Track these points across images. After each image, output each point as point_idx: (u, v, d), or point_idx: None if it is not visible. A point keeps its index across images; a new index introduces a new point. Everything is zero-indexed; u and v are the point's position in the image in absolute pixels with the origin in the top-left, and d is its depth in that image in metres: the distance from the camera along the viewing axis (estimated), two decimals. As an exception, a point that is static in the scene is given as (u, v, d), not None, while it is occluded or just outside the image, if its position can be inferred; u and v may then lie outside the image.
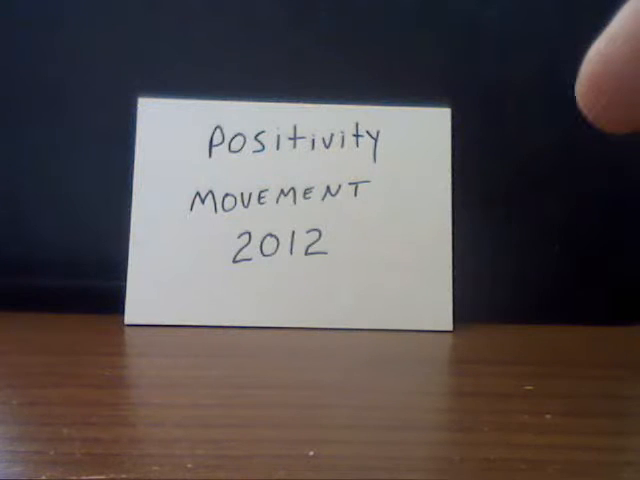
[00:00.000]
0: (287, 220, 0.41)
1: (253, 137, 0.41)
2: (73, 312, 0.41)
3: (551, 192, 0.45)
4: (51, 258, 0.44)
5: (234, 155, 0.41)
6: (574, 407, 0.28)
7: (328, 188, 0.41)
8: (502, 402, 0.28)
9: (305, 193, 0.41)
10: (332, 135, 0.41)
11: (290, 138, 0.41)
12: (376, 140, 0.41)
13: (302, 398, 0.28)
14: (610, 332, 0.42)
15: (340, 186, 0.41)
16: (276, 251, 0.40)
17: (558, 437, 0.24)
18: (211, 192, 0.41)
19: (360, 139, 0.41)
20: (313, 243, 0.40)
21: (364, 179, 0.41)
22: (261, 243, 0.40)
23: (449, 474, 0.22)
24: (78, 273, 0.44)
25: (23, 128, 0.45)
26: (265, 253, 0.40)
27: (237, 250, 0.40)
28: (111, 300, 0.40)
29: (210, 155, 0.41)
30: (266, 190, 0.41)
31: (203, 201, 0.40)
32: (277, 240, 0.40)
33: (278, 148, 0.41)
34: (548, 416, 0.26)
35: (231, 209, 0.41)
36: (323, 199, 0.41)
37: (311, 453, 0.22)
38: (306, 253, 0.40)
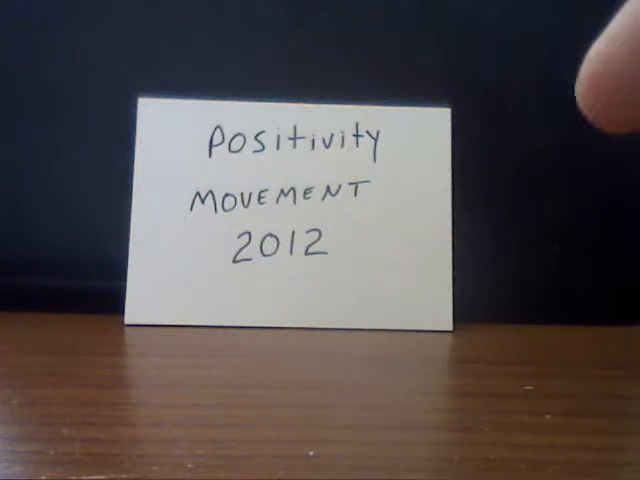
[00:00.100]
0: (287, 220, 0.41)
1: (253, 137, 0.41)
2: (73, 312, 0.41)
3: (551, 192, 0.45)
4: (51, 258, 0.44)
5: (234, 155, 0.41)
6: (574, 407, 0.28)
7: (328, 188, 0.41)
8: (502, 402, 0.28)
9: (305, 193, 0.41)
10: (332, 135, 0.41)
11: (290, 138, 0.41)
12: (376, 140, 0.41)
13: (302, 398, 0.28)
14: (610, 332, 0.42)
15: (340, 186, 0.41)
16: (276, 251, 0.40)
17: (558, 437, 0.24)
18: (211, 192, 0.41)
19: (360, 139, 0.41)
20: (313, 243, 0.40)
21: (364, 179, 0.41)
22: (261, 243, 0.40)
23: (449, 474, 0.22)
24: (78, 273, 0.44)
25: (23, 128, 0.45)
26: (265, 253, 0.40)
27: (237, 250, 0.40)
28: (111, 300, 0.40)
29: (210, 155, 0.41)
30: (266, 190, 0.41)
31: (203, 201, 0.40)
32: (277, 240, 0.40)
33: (278, 148, 0.41)
34: (548, 416, 0.26)
35: (231, 209, 0.41)
36: (323, 199, 0.41)
37: (311, 453, 0.22)
38: (306, 253, 0.40)
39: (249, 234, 0.40)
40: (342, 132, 0.41)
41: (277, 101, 0.41)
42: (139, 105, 0.41)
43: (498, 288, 0.44)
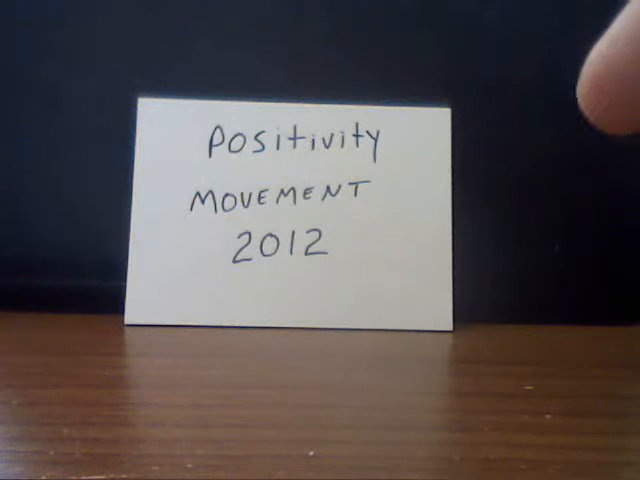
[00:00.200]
0: (287, 220, 0.41)
1: (253, 137, 0.41)
2: (73, 312, 0.41)
3: (551, 192, 0.45)
4: (51, 258, 0.44)
5: (234, 155, 0.41)
6: (574, 407, 0.28)
7: (328, 188, 0.41)
8: (502, 402, 0.28)
9: (305, 193, 0.41)
10: (332, 135, 0.41)
11: (290, 138, 0.41)
12: (376, 140, 0.41)
13: (302, 398, 0.28)
14: (610, 332, 0.42)
15: (340, 186, 0.41)
16: (276, 251, 0.40)
17: (558, 437, 0.24)
18: (211, 192, 0.41)
19: (360, 139, 0.41)
20: (313, 243, 0.40)
21: (364, 179, 0.41)
22: (261, 243, 0.40)
23: (449, 474, 0.22)
24: (78, 273, 0.44)
25: (23, 128, 0.45)
26: (265, 253, 0.40)
27: (237, 250, 0.40)
28: (111, 300, 0.40)
29: (210, 155, 0.41)
30: (266, 190, 0.41)
31: (203, 201, 0.40)
32: (277, 240, 0.40)
33: (278, 148, 0.41)
34: (548, 416, 0.26)
35: (231, 209, 0.41)
36: (323, 199, 0.41)
37: (311, 453, 0.22)
38: (306, 253, 0.40)
39: (249, 234, 0.40)
40: (342, 132, 0.41)
41: (277, 101, 0.41)
42: (139, 105, 0.41)
43: (498, 288, 0.44)
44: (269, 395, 0.28)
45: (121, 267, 0.40)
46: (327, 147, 0.41)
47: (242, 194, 0.41)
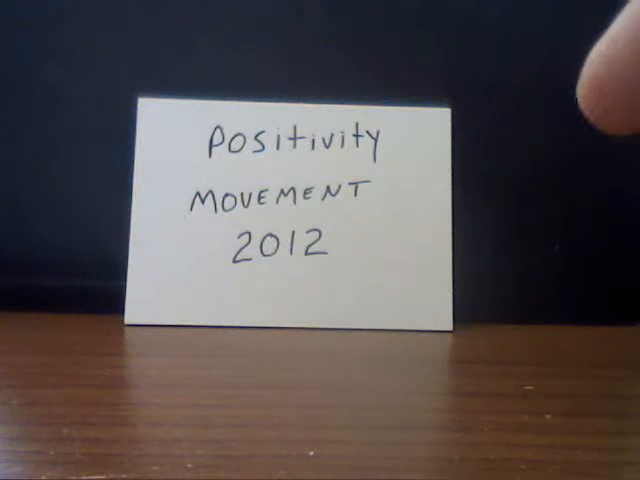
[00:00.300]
0: (287, 220, 0.41)
1: (253, 137, 0.41)
2: (73, 312, 0.41)
3: (551, 192, 0.45)
4: (51, 258, 0.44)
5: (234, 155, 0.41)
6: (574, 407, 0.28)
7: (328, 188, 0.41)
8: (502, 402, 0.28)
9: (305, 193, 0.41)
10: (332, 135, 0.41)
11: (290, 138, 0.41)
12: (376, 140, 0.41)
13: (302, 398, 0.28)
14: (610, 332, 0.42)
15: (340, 186, 0.41)
16: (276, 251, 0.40)
17: (558, 437, 0.24)
18: (211, 192, 0.41)
19: (360, 139, 0.41)
20: (313, 243, 0.40)
21: (364, 179, 0.41)
22: (261, 243, 0.40)
23: (449, 474, 0.22)
24: (78, 273, 0.44)
25: (23, 128, 0.45)
26: (265, 253, 0.40)
27: (237, 250, 0.40)
28: (111, 300, 0.40)
29: (210, 155, 0.41)
30: (266, 190, 0.41)
31: (203, 201, 0.40)
32: (277, 240, 0.40)
33: (278, 148, 0.41)
34: (548, 416, 0.26)
35: (231, 209, 0.41)
36: (323, 199, 0.41)
37: (311, 453, 0.22)
38: (306, 253, 0.40)
39: (249, 234, 0.40)
40: (342, 132, 0.41)
41: (277, 101, 0.41)
42: (139, 105, 0.41)
43: (498, 288, 0.44)
44: (269, 395, 0.28)
45: (121, 267, 0.40)
46: (327, 147, 0.41)
47: (242, 194, 0.41)
